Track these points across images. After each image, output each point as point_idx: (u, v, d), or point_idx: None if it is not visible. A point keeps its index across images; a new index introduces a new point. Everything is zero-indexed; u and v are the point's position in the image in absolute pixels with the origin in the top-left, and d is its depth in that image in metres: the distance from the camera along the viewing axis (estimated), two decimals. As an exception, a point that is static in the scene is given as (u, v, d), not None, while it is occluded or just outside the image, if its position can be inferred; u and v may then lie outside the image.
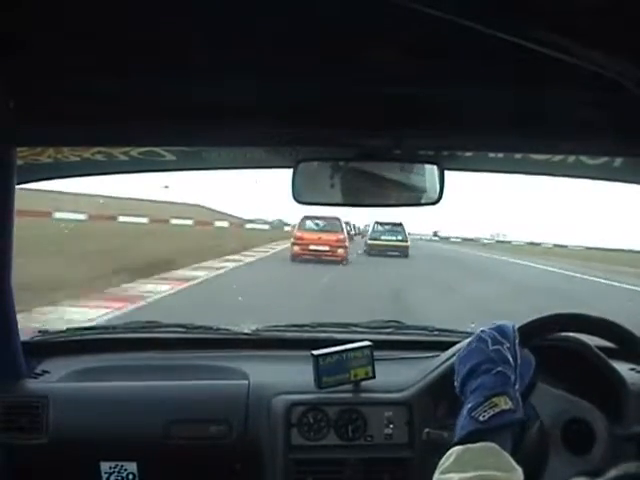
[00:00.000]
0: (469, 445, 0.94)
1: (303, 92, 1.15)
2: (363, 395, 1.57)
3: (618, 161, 1.44)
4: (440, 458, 0.98)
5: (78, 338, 1.83)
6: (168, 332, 1.91)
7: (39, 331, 1.82)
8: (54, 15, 0.93)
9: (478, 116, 1.19)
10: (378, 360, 1.60)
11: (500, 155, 1.47)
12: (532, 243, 51.90)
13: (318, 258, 16.02)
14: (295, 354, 1.76)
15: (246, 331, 1.90)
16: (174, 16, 0.93)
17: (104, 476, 1.51)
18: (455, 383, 1.10)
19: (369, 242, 20.36)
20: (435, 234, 48.30)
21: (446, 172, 1.39)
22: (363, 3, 0.86)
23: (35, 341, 1.76)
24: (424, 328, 1.97)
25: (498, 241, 51.59)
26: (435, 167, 1.39)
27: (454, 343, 1.62)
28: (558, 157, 1.47)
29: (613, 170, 1.48)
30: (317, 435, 1.51)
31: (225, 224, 43.13)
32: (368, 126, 1.24)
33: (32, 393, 1.54)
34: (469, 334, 1.67)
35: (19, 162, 1.40)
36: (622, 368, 1.41)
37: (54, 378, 1.62)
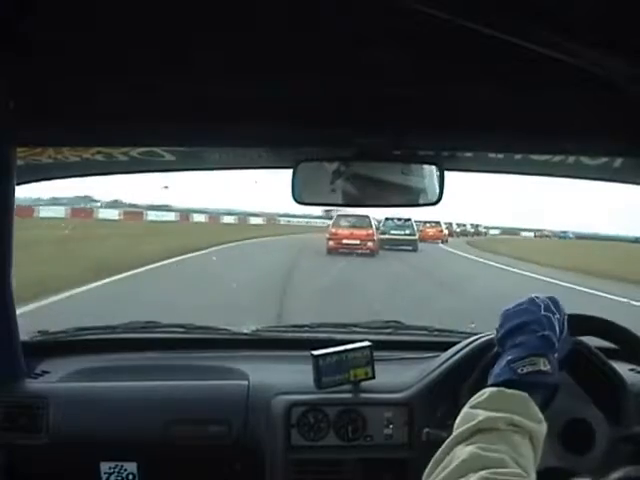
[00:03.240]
0: (503, 388, 0.96)
1: (303, 92, 1.15)
2: (363, 395, 1.57)
3: (618, 161, 1.44)
4: None
5: (78, 338, 1.83)
6: (168, 332, 1.91)
7: (39, 331, 1.81)
8: (54, 15, 0.93)
9: (478, 116, 1.19)
10: (378, 360, 1.59)
11: (500, 155, 1.47)
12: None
13: (351, 251, 16.58)
14: (295, 354, 1.76)
15: (246, 331, 1.90)
16: (174, 16, 0.93)
17: (104, 476, 1.51)
18: (495, 334, 1.11)
19: (380, 237, 20.42)
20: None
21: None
22: (363, 3, 0.86)
23: (35, 341, 1.76)
24: (424, 328, 1.97)
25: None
26: (435, 167, 1.39)
27: (454, 343, 1.61)
28: (558, 157, 1.47)
29: (613, 170, 1.49)
30: (317, 435, 1.51)
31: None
32: (368, 126, 1.24)
33: (32, 393, 1.54)
34: (469, 334, 1.68)
35: (19, 162, 1.40)
36: (622, 369, 1.40)
37: (54, 378, 1.61)
